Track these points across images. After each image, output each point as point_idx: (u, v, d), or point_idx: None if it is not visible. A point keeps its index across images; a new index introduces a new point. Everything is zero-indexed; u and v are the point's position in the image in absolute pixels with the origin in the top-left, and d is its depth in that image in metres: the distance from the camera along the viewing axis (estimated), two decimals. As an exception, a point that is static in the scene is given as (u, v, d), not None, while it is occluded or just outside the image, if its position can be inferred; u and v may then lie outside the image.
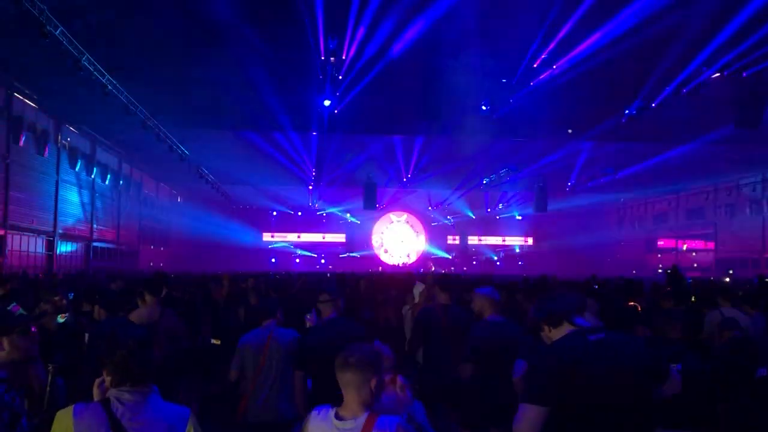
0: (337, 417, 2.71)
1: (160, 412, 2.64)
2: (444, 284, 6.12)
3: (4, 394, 2.82)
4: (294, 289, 10.98)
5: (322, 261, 43.40)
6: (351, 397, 2.72)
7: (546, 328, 3.08)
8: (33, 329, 3.10)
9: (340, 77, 18.17)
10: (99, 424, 2.50)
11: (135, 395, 2.60)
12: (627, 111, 20.33)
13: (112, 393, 2.60)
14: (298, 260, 43.14)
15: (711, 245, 34.89)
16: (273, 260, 42.46)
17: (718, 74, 16.94)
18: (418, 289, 7.60)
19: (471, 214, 42.39)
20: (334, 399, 2.80)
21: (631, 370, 2.82)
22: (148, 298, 6.00)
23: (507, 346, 4.75)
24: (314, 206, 42.07)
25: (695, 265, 34.43)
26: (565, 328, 3.01)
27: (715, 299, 7.54)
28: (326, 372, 3.01)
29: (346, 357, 2.76)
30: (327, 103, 19.19)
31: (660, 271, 30.60)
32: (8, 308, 4.70)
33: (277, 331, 4.94)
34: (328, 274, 19.90)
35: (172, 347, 6.04)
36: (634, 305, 7.19)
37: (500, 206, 42.27)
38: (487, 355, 4.82)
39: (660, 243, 39.16)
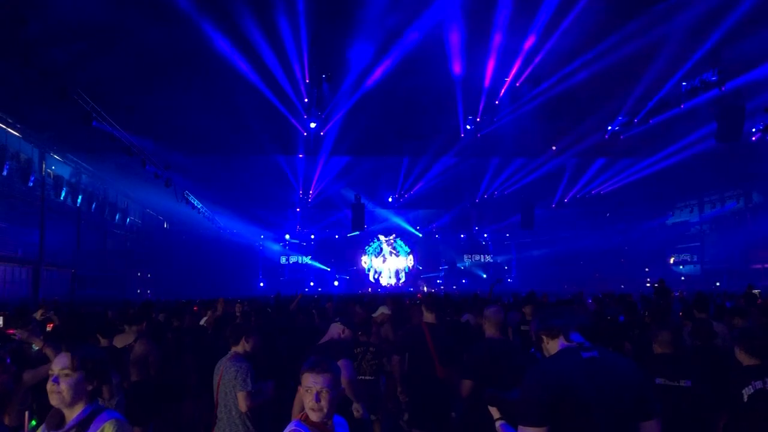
0: None
1: None
2: (430, 304, 6.13)
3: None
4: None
5: (311, 284, 43.24)
6: None
7: (545, 339, 3.06)
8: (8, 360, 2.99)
9: (325, 100, 18.30)
10: None
11: None
12: (610, 127, 20.53)
13: None
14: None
15: (697, 258, 35.14)
16: (261, 284, 42.35)
17: (697, 88, 17.12)
18: (381, 310, 7.71)
19: (459, 234, 42.47)
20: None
21: (619, 393, 2.73)
22: (126, 327, 6.33)
23: (503, 364, 4.74)
24: (301, 229, 42.04)
25: (683, 278, 34.61)
26: (560, 342, 2.97)
27: (691, 312, 7.45)
28: None
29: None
30: (313, 125, 19.28)
31: (648, 285, 30.67)
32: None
33: None
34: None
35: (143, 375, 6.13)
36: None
37: (487, 224, 42.29)
38: (484, 374, 4.77)
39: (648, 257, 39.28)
